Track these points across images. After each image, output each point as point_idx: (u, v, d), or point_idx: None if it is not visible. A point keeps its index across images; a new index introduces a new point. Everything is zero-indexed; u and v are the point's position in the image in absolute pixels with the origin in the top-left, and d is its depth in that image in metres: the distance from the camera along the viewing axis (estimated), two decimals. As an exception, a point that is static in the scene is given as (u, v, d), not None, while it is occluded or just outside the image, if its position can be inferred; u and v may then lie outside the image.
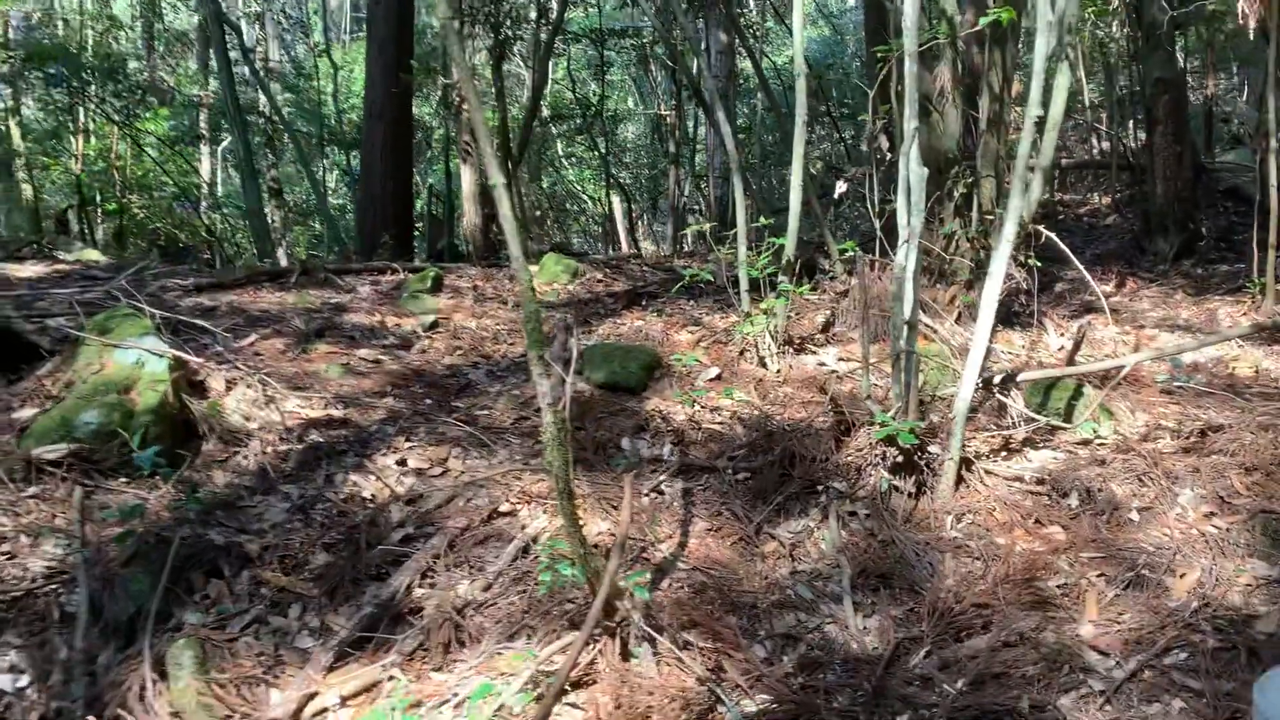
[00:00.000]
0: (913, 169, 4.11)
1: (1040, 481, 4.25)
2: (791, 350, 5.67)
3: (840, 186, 6.20)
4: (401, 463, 4.16)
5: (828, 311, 6.28)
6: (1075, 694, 2.87)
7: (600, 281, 7.71)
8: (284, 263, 21.82)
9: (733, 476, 4.24)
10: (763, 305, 5.55)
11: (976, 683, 2.93)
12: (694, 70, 11.96)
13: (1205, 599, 3.28)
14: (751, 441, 4.49)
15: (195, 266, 7.86)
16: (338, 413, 4.54)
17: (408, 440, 4.34)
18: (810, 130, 13.78)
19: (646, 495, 4.09)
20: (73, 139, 23.06)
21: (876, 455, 4.22)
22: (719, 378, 5.40)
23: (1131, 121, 13.13)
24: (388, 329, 6.00)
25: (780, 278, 5.57)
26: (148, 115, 23.99)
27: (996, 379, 4.61)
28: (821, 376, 5.42)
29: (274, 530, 3.59)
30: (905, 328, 4.20)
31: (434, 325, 6.08)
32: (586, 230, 23.62)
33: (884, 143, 6.40)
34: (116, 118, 20.30)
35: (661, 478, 4.22)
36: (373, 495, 3.90)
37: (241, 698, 2.82)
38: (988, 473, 4.31)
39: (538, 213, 12.39)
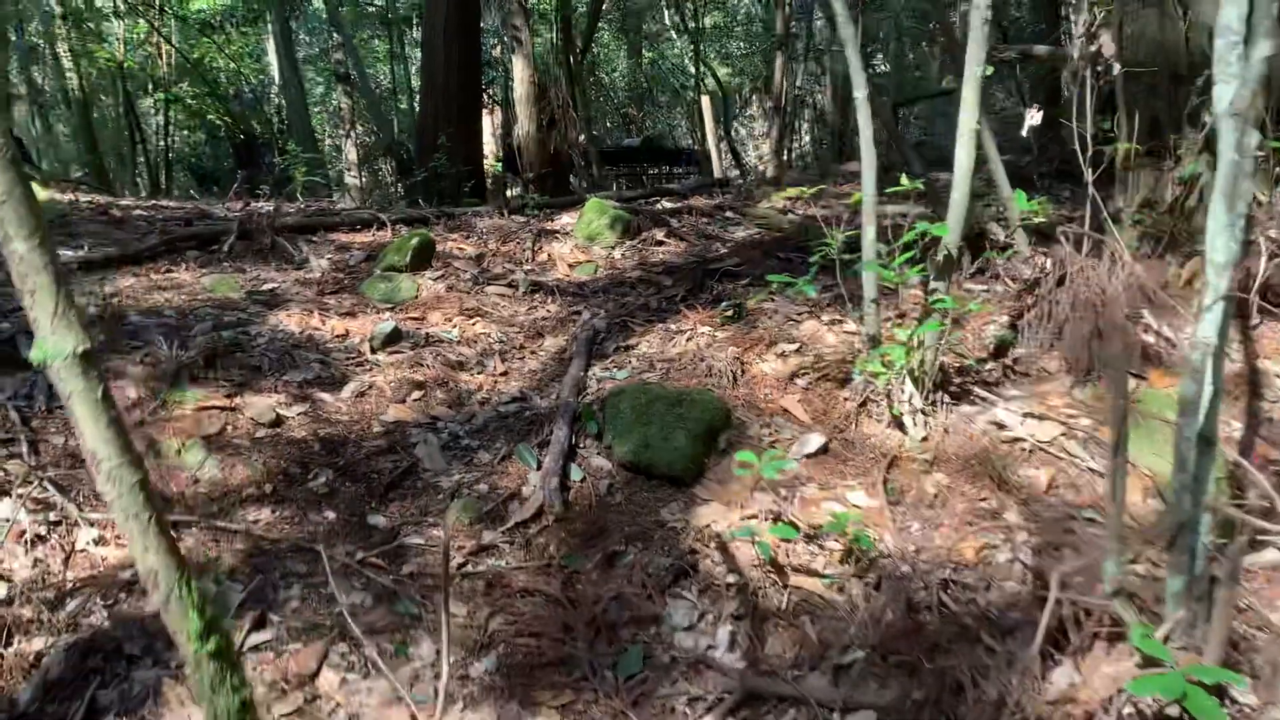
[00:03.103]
0: (1242, 135, 2.04)
1: None
2: (946, 397, 3.69)
3: (1031, 115, 4.07)
4: (230, 686, 2.41)
5: (1005, 318, 4.23)
6: None
7: (658, 244, 5.77)
8: (351, 155, 20.50)
9: (841, 724, 2.39)
10: (900, 330, 3.58)
11: None
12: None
13: None
14: (884, 638, 2.61)
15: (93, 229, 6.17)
16: (160, 553, 2.81)
17: (257, 626, 2.60)
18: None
19: (671, 769, 2.29)
20: (115, 20, 21.96)
21: (1124, 702, 2.30)
22: (824, 451, 3.50)
23: None
24: (319, 346, 4.26)
25: (934, 284, 3.56)
26: (198, -10, 22.67)
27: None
28: (998, 451, 3.46)
29: None
30: (1192, 451, 2.23)
31: (393, 337, 4.30)
32: (691, 114, 21.41)
33: (1106, 45, 4.23)
34: None
35: (706, 720, 2.40)
36: (146, 785, 2.19)
37: None
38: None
39: (570, 115, 10.28)
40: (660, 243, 5.76)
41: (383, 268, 5.21)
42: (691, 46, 18.04)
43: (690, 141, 21.46)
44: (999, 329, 4.21)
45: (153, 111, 24.10)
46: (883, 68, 17.98)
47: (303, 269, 5.32)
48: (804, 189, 4.05)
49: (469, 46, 11.20)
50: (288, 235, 5.74)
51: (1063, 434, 3.58)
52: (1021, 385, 3.87)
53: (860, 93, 3.52)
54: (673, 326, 4.49)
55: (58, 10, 22.06)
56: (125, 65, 21.19)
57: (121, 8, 20.54)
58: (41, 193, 7.62)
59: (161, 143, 23.29)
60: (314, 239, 5.87)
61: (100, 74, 23.82)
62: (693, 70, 18.33)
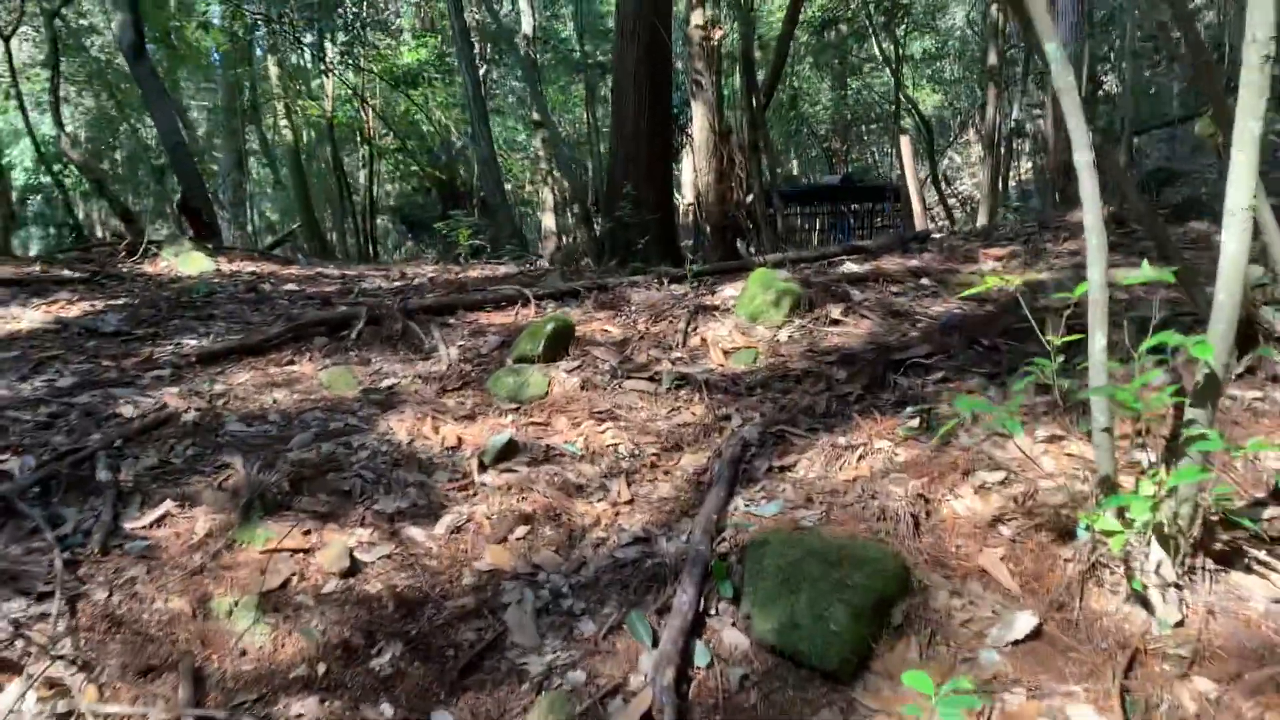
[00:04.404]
0: None
1: None
2: (1209, 562, 2.76)
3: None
4: None
5: (1290, 441, 3.23)
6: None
7: (833, 324, 5.00)
8: (549, 202, 20.92)
9: None
10: (1142, 450, 2.71)
11: None
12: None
13: None
14: None
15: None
16: (172, 764, 2.36)
17: None
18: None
19: None
20: (324, 79, 23.38)
21: None
22: (1036, 636, 2.66)
23: None
24: (424, 463, 3.78)
25: (1192, 412, 2.66)
26: (407, 47, 23.91)
27: None
28: (1290, 648, 2.52)
29: None
30: None
31: (506, 451, 3.77)
32: (898, 146, 20.50)
33: None
34: (327, 57, 20.08)
35: None
36: None
37: None
38: None
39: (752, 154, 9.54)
40: (836, 322, 4.99)
41: (514, 358, 4.73)
42: (900, 75, 17.09)
43: (899, 171, 20.41)
44: (1284, 459, 3.21)
45: (360, 165, 25.46)
46: (1113, 90, 16.38)
47: (430, 359, 4.92)
48: (1009, 277, 3.22)
49: (659, 90, 10.81)
50: (422, 318, 5.38)
51: (1390, 626, 2.59)
52: (1322, 542, 2.88)
53: (1083, 155, 2.68)
54: (841, 440, 3.73)
55: (275, 71, 23.71)
56: (333, 120, 22.44)
57: (335, 66, 21.73)
58: (207, 264, 7.72)
59: (370, 194, 24.53)
60: (450, 320, 5.48)
61: (314, 129, 25.46)
62: (902, 100, 17.34)
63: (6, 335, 5.26)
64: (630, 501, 3.52)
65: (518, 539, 3.30)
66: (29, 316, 5.59)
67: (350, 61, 20.25)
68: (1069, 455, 3.44)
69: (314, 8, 18.80)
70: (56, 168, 19.03)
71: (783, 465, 3.63)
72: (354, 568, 3.11)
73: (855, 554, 2.91)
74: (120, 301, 5.97)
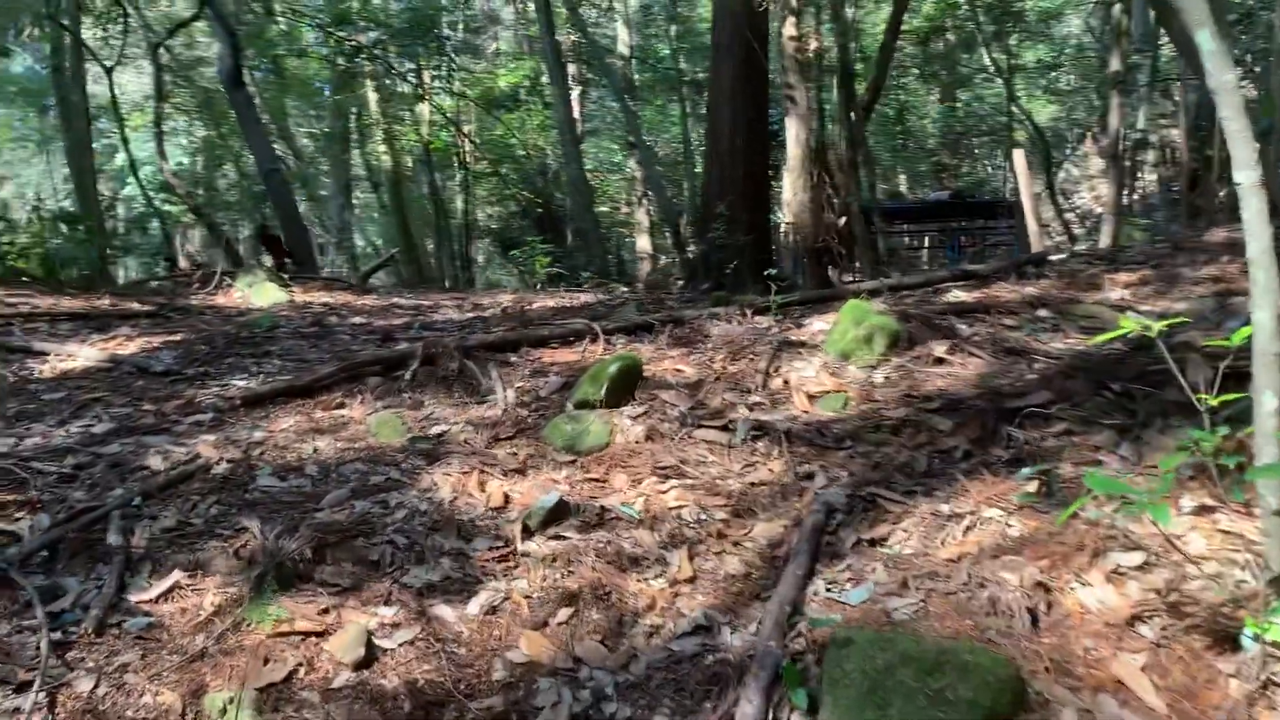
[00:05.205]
0: None
1: None
2: None
3: None
4: None
5: None
6: None
7: (937, 363, 4.47)
8: (644, 223, 20.82)
9: None
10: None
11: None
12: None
13: None
14: None
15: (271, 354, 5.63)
16: None
17: None
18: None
19: None
20: (422, 104, 23.68)
21: None
22: (1190, 775, 2.12)
23: None
24: (464, 526, 3.41)
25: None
26: (504, 70, 24.10)
27: None
28: None
29: None
30: None
31: (556, 513, 3.38)
32: (1011, 161, 19.75)
33: None
34: (421, 81, 20.28)
35: None
36: None
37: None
38: None
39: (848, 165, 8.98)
40: (940, 361, 4.45)
41: (575, 402, 4.34)
42: (1012, 86, 16.28)
43: (1013, 186, 19.52)
44: None
45: (457, 189, 25.69)
46: (1248, 94, 15.25)
47: (486, 402, 4.57)
48: (1151, 323, 2.68)
49: (755, 108, 10.40)
50: (481, 356, 5.03)
51: None
52: None
53: (1247, 173, 2.15)
54: (944, 507, 3.21)
55: (374, 98, 24.10)
56: (430, 146, 22.69)
57: (431, 91, 21.97)
58: (279, 295, 7.58)
59: (466, 217, 24.74)
60: (512, 358, 5.13)
61: (411, 154, 25.79)
62: (1015, 111, 16.54)
63: (58, 375, 5.13)
64: (691, 580, 3.07)
65: (559, 624, 2.89)
66: (85, 354, 5.46)
67: (445, 87, 20.42)
68: (1223, 532, 2.86)
69: (409, 34, 19.02)
70: (162, 196, 19.57)
71: (873, 538, 3.14)
72: (370, 656, 2.74)
73: (959, 659, 2.41)
74: (178, 337, 5.81)
